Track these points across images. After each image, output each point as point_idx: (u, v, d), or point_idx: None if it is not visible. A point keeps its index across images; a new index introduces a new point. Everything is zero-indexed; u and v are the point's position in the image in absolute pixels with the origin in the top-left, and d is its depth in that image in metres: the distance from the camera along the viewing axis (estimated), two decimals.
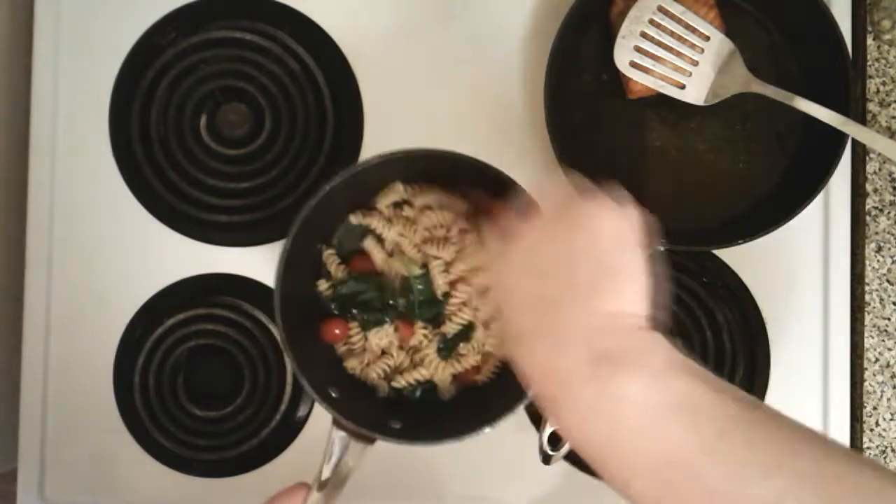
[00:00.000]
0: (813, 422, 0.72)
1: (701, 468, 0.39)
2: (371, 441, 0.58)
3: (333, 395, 0.60)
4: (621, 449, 0.41)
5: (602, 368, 0.41)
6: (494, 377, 0.67)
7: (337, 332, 0.66)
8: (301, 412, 0.73)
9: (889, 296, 0.73)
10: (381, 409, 0.64)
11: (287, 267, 0.59)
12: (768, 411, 0.41)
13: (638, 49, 0.67)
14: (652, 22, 0.66)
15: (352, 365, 0.66)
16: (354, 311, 0.66)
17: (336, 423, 0.58)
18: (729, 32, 0.68)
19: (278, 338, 0.59)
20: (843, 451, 0.40)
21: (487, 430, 0.59)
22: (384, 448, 0.71)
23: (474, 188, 0.64)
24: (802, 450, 0.39)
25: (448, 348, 0.66)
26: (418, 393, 0.67)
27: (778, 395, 0.72)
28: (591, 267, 0.45)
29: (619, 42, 0.67)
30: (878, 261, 0.73)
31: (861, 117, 0.73)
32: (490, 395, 0.66)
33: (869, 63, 0.73)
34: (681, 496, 0.40)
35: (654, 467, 0.40)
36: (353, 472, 0.57)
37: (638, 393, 0.40)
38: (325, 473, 0.56)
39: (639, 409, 0.40)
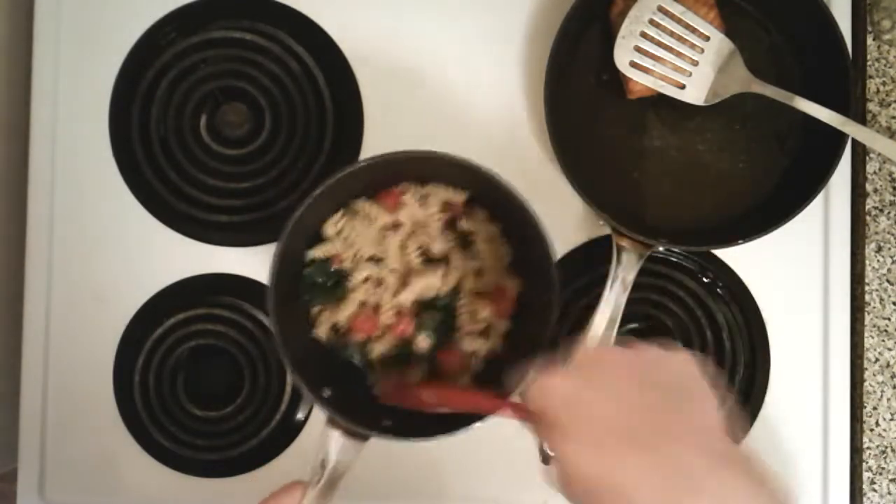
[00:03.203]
0: (813, 422, 0.72)
1: None
2: (364, 438, 0.59)
3: (326, 394, 0.61)
4: None
5: (724, 462, 0.46)
6: (482, 374, 0.67)
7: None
8: (301, 413, 0.73)
9: (889, 296, 0.73)
10: (373, 407, 0.65)
11: (282, 265, 0.59)
12: None
13: (638, 49, 0.67)
14: (652, 22, 0.66)
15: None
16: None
17: (330, 421, 0.58)
18: (729, 32, 0.68)
19: (275, 340, 0.59)
20: None
21: (478, 425, 0.59)
22: (385, 448, 0.71)
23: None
24: None
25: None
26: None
27: (778, 395, 0.72)
28: (681, 395, 0.49)
29: (619, 42, 0.67)
30: (878, 261, 0.73)
31: (861, 117, 0.73)
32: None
33: (869, 63, 0.73)
34: None
35: None
36: (347, 469, 0.58)
37: (754, 488, 0.46)
38: (320, 472, 0.57)
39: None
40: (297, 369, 0.59)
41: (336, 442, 0.58)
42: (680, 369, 0.50)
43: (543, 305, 0.62)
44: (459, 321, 0.66)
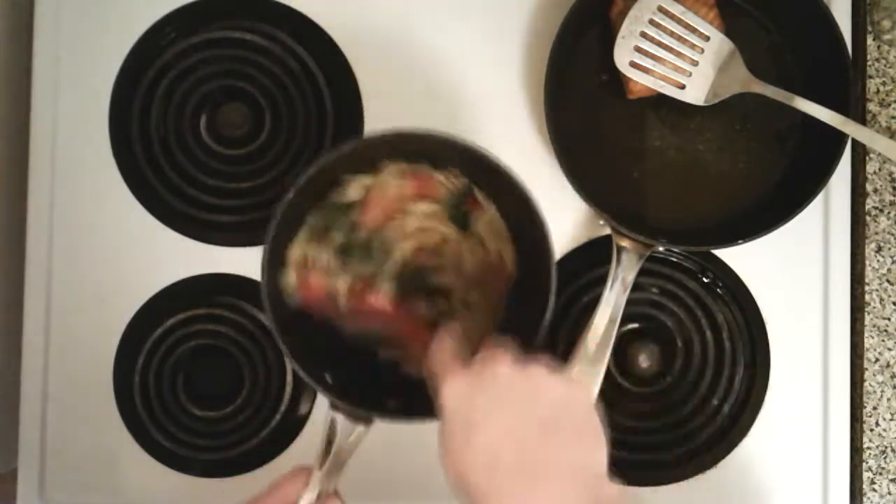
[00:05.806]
0: (813, 422, 0.72)
1: None
2: (368, 421, 0.59)
3: (329, 380, 0.60)
4: None
5: None
6: None
7: None
8: (301, 411, 0.73)
9: (889, 296, 0.73)
10: (376, 389, 0.65)
11: (275, 253, 0.59)
12: None
13: (638, 49, 0.67)
14: (652, 22, 0.66)
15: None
16: None
17: (333, 405, 0.58)
18: (729, 32, 0.68)
19: (268, 326, 0.59)
20: None
21: None
22: (385, 447, 0.71)
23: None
24: None
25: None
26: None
27: (778, 395, 0.72)
28: (562, 430, 0.49)
29: (619, 42, 0.67)
30: (878, 261, 0.73)
31: (861, 117, 0.73)
32: None
33: (869, 63, 0.73)
34: None
35: None
36: (352, 453, 0.58)
37: None
38: (324, 457, 0.57)
39: None
40: (295, 357, 0.59)
41: (340, 425, 0.58)
42: (564, 400, 0.49)
43: (539, 295, 0.61)
44: (452, 305, 0.65)
